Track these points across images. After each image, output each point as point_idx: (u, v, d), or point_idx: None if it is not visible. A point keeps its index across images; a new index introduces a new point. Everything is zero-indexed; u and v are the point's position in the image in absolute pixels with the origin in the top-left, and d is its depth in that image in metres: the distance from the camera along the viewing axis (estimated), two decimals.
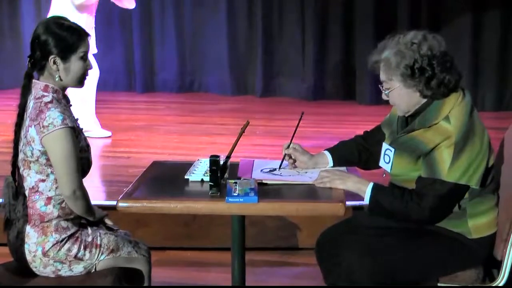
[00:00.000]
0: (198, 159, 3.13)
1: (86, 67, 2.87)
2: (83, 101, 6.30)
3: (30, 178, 2.82)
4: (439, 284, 2.84)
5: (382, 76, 2.85)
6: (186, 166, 3.04)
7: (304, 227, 4.49)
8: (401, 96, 2.83)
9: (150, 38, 8.80)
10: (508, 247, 2.79)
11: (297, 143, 3.10)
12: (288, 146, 3.08)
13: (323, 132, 6.43)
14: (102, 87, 8.57)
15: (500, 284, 2.81)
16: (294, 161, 3.08)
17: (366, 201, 2.81)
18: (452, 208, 2.81)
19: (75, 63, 2.83)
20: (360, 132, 3.25)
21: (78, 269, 2.86)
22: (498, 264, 2.84)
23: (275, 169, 3.02)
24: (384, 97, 2.89)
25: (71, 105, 2.90)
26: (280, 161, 3.08)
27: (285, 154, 3.08)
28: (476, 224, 2.83)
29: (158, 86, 8.86)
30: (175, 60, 8.75)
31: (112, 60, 8.75)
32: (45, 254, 2.81)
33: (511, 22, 7.73)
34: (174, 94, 8.67)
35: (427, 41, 2.78)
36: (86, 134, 3.02)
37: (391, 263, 2.79)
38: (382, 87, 2.87)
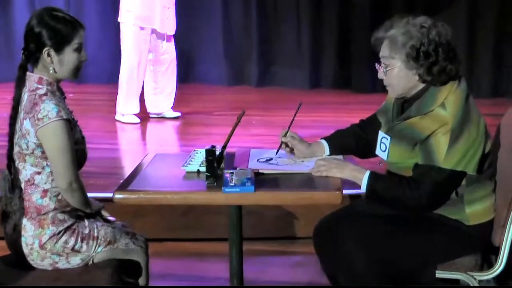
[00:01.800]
0: (194, 150, 3.12)
1: (81, 59, 2.85)
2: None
3: (25, 171, 2.81)
4: (437, 272, 2.84)
5: (384, 52, 2.83)
6: (183, 157, 3.04)
7: (301, 216, 4.49)
8: (400, 76, 2.82)
9: None
10: (506, 233, 2.79)
11: (294, 131, 3.09)
12: (285, 134, 3.07)
13: (320, 121, 6.42)
14: (96, 79, 8.60)
15: (498, 271, 2.81)
16: (291, 149, 3.08)
17: (363, 189, 2.81)
18: (449, 195, 2.81)
19: (69, 55, 2.81)
20: (357, 120, 3.24)
21: (76, 261, 2.85)
22: (496, 251, 2.84)
23: (271, 159, 3.02)
24: (380, 75, 2.87)
25: (65, 97, 2.89)
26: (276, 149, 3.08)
27: (282, 142, 3.07)
28: (474, 210, 2.84)
29: None
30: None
31: (107, 52, 8.72)
32: (42, 246, 2.80)
33: (507, 8, 7.71)
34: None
35: (437, 27, 2.79)
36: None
37: (389, 252, 2.79)
38: (380, 64, 2.86)
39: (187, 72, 8.80)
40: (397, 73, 2.82)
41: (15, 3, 8.78)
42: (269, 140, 5.45)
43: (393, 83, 2.86)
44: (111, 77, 8.74)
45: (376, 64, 2.88)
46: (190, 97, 7.84)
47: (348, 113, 6.73)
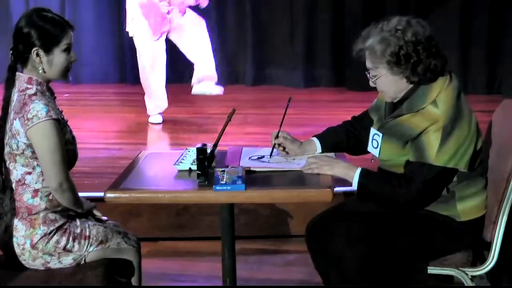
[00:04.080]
0: (186, 148, 3.12)
1: (70, 60, 2.85)
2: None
3: (16, 171, 2.81)
4: (429, 268, 2.85)
5: (368, 64, 2.85)
6: (175, 156, 3.04)
7: (295, 214, 4.50)
8: (388, 83, 2.83)
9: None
10: (497, 229, 2.80)
11: (285, 131, 3.09)
12: (277, 135, 3.07)
13: (315, 119, 6.42)
14: (93, 79, 8.61)
15: (490, 266, 2.82)
16: (284, 148, 3.08)
17: (354, 186, 2.81)
18: (440, 192, 2.81)
19: (58, 55, 2.81)
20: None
21: (68, 261, 2.85)
22: (488, 246, 2.84)
23: (263, 157, 3.02)
24: (371, 84, 2.89)
25: (55, 97, 2.89)
26: (269, 148, 3.08)
27: (275, 143, 3.07)
28: (465, 207, 2.84)
29: None
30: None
31: (103, 52, 8.72)
32: (33, 246, 2.80)
33: (502, 5, 7.70)
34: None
35: (412, 27, 2.78)
36: None
37: (380, 249, 2.79)
38: (369, 74, 2.87)
39: (183, 72, 8.80)
40: (384, 81, 2.83)
41: (13, 5, 8.74)
42: (264, 138, 5.43)
43: (384, 90, 2.88)
44: (106, 77, 8.77)
45: (366, 73, 2.89)
46: (185, 96, 7.84)
47: (343, 111, 6.73)
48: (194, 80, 6.75)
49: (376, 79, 2.84)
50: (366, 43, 2.81)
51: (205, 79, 6.73)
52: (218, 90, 6.75)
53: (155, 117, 6.64)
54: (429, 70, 2.77)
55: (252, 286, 3.86)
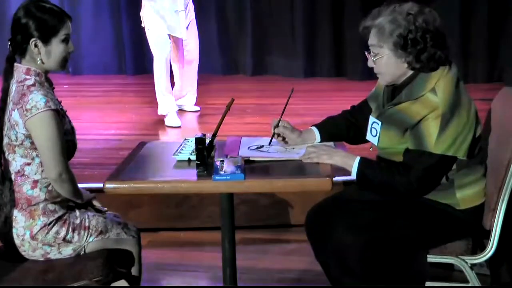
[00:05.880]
0: (186, 139, 3.12)
1: (68, 50, 2.85)
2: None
3: (15, 162, 2.81)
4: (428, 256, 2.85)
5: (373, 41, 2.81)
6: (174, 146, 3.03)
7: (295, 204, 4.50)
8: (389, 65, 2.81)
9: (139, 20, 8.74)
10: (496, 216, 2.80)
11: (286, 120, 3.09)
12: (277, 124, 3.07)
13: (314, 109, 6.41)
14: (92, 70, 8.61)
15: (489, 254, 2.82)
16: (283, 138, 3.07)
17: (353, 175, 2.81)
18: (439, 180, 2.81)
19: (56, 46, 2.81)
20: None
21: (67, 251, 2.86)
22: (487, 234, 2.84)
23: (262, 146, 3.01)
24: (370, 63, 2.86)
25: (54, 88, 2.89)
26: (268, 138, 3.07)
27: (274, 133, 3.07)
28: (464, 195, 2.84)
29: (148, 68, 8.81)
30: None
31: (103, 43, 8.72)
32: (33, 237, 2.81)
33: None
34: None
35: (423, 14, 2.77)
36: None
37: (380, 238, 2.79)
38: (369, 52, 2.85)
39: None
40: (386, 62, 2.81)
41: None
42: (264, 128, 5.43)
43: (383, 71, 2.86)
44: (106, 68, 8.77)
45: (366, 52, 2.87)
46: None
47: (342, 101, 6.70)
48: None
49: (377, 58, 2.82)
50: (375, 20, 2.80)
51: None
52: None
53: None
54: (432, 60, 2.76)
55: (252, 286, 3.85)
